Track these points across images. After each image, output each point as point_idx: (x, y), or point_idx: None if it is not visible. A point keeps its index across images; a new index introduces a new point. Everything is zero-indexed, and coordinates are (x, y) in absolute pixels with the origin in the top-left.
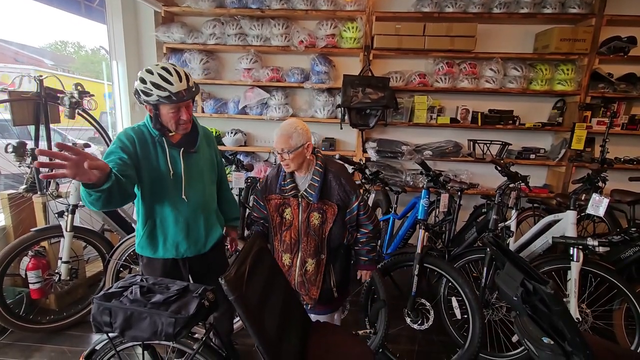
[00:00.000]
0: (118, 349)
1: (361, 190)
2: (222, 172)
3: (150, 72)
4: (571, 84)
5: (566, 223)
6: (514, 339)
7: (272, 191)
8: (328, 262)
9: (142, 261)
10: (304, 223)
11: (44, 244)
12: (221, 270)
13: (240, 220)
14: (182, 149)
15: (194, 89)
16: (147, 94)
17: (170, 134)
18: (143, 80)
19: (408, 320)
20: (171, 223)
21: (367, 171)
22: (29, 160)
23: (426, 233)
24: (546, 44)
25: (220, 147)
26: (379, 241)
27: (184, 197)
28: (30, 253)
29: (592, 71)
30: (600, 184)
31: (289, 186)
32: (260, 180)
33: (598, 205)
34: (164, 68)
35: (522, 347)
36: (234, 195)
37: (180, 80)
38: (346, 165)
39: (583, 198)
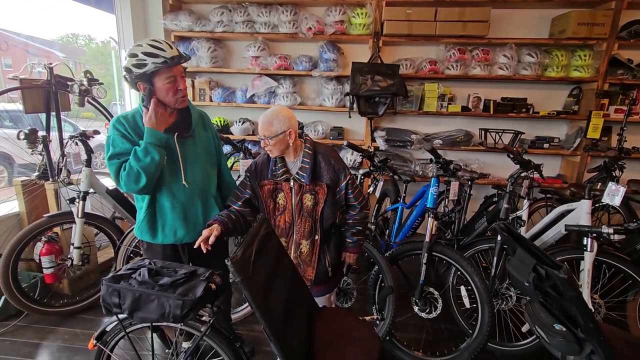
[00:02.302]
0: (127, 330)
1: (349, 171)
2: (222, 155)
3: (139, 45)
4: (588, 71)
5: (580, 212)
6: (524, 328)
7: (263, 177)
8: (322, 242)
9: (143, 246)
10: (297, 205)
11: (57, 230)
12: (221, 256)
13: None
14: (176, 133)
15: (185, 55)
16: (140, 66)
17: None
18: (133, 55)
19: (416, 308)
20: (168, 209)
21: (375, 159)
22: (40, 147)
23: (435, 222)
24: (563, 29)
25: (228, 136)
26: (388, 231)
27: (184, 183)
28: (43, 238)
29: (611, 57)
30: (616, 172)
31: (281, 170)
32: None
33: (614, 195)
34: (152, 39)
35: (532, 337)
36: (234, 181)
37: (171, 48)
38: (354, 152)
39: (598, 187)
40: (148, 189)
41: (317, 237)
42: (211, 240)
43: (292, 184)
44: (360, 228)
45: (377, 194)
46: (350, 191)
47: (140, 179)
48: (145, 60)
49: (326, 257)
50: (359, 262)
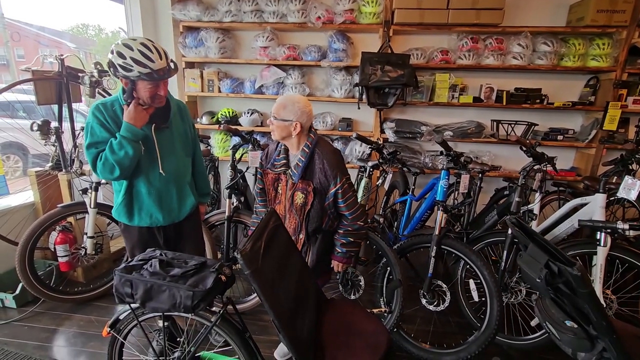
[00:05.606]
0: (140, 319)
1: (345, 179)
2: (197, 146)
3: (129, 47)
4: (606, 60)
5: (594, 206)
6: (533, 322)
7: (268, 164)
8: (305, 243)
9: (120, 227)
10: (288, 200)
11: (71, 219)
12: (195, 239)
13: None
14: (154, 124)
15: (173, 68)
16: (126, 70)
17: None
18: (121, 55)
19: (424, 301)
20: (144, 195)
21: (384, 151)
22: (53, 138)
23: (444, 215)
24: (581, 16)
25: (237, 127)
26: (396, 224)
27: (161, 171)
28: (58, 228)
29: (631, 45)
30: (633, 165)
31: (281, 162)
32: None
33: (630, 189)
34: (142, 44)
35: (541, 332)
36: (205, 169)
37: (161, 58)
38: (363, 144)
39: (614, 181)
40: (124, 178)
41: (301, 236)
42: None
43: (288, 177)
44: (352, 239)
45: (386, 186)
46: (341, 200)
47: (115, 170)
48: (132, 67)
49: (307, 258)
50: (367, 253)
